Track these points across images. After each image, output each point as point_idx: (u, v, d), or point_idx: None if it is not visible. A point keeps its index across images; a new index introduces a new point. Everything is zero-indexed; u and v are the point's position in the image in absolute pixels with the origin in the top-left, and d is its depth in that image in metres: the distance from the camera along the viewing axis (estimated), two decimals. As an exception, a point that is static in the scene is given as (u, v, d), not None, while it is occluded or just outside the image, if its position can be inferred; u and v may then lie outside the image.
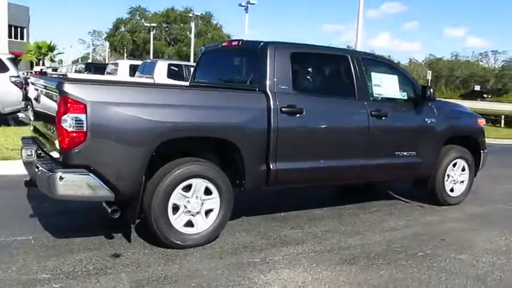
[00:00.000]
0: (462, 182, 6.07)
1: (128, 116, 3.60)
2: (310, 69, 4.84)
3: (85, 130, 3.44)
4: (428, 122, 5.49)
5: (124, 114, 3.59)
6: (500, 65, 68.19)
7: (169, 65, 13.22)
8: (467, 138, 6.00)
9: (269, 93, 4.29)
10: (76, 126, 3.42)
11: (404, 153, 5.33)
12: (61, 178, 3.44)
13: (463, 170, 6.03)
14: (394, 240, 4.52)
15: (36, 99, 4.34)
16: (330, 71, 5.01)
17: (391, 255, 4.13)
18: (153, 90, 4.18)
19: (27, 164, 4.31)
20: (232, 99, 4.28)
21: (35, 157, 4.11)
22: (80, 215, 4.77)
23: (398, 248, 4.32)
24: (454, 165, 5.92)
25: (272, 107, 4.25)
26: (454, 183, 6.00)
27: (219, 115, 4.06)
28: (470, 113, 6.29)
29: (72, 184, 3.52)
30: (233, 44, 5.10)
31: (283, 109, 4.29)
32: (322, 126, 4.65)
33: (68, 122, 3.41)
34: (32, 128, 4.83)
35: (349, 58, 4.98)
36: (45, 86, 4.02)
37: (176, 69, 13.19)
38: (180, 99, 3.99)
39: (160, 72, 12.47)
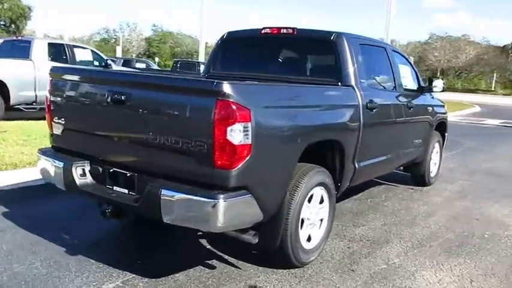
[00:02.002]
0: (436, 163, 6.72)
1: (284, 122, 3.04)
2: (370, 62, 4.69)
3: (250, 142, 2.75)
4: (430, 110, 5.93)
5: (281, 119, 3.02)
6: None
7: (50, 44, 11.06)
8: (441, 123, 6.62)
9: (355, 88, 4.06)
10: (243, 139, 2.71)
11: (416, 141, 5.67)
12: (226, 205, 2.70)
13: (437, 152, 6.68)
14: (442, 225, 4.81)
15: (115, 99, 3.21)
16: (379, 63, 4.94)
17: (462, 239, 4.41)
18: (298, 89, 3.61)
19: (91, 187, 3.28)
20: (335, 96, 3.91)
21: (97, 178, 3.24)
22: (162, 244, 3.87)
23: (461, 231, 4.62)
24: (433, 148, 6.51)
25: (360, 103, 4.04)
26: (434, 165, 6.62)
27: (333, 114, 3.71)
28: (440, 101, 6.96)
29: (237, 211, 2.81)
30: (283, 31, 4.57)
31: (368, 105, 4.12)
32: (388, 120, 4.67)
33: (236, 133, 2.67)
34: (58, 134, 3.60)
35: (386, 50, 5.04)
36: (164, 84, 3.08)
37: (57, 49, 11.13)
38: (315, 99, 3.52)
39: (41, 53, 10.36)
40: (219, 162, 2.71)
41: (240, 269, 3.46)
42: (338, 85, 4.07)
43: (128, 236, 4.13)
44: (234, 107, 2.66)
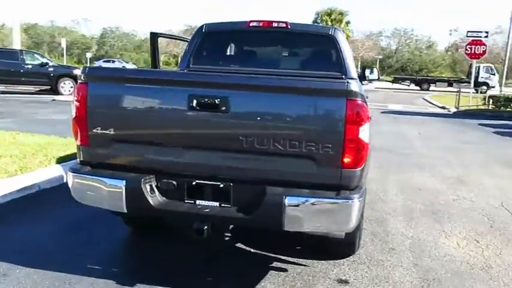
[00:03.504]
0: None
1: None
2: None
3: (368, 141, 2.80)
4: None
5: None
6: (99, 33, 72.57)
7: None
8: None
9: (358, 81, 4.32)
10: (367, 138, 2.74)
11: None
12: (359, 205, 2.70)
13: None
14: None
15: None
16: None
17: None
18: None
19: (167, 205, 2.87)
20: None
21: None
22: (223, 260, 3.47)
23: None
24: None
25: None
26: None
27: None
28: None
29: (361, 209, 2.82)
30: (274, 25, 4.48)
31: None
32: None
33: (365, 132, 2.68)
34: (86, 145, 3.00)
35: None
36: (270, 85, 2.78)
37: None
38: None
39: None
40: (347, 162, 2.69)
41: (316, 267, 3.46)
42: (342, 78, 4.26)
43: (185, 255, 3.67)
44: (363, 106, 2.67)
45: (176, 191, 2.91)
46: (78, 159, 3.10)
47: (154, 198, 2.87)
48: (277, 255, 3.62)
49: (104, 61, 45.02)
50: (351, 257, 3.61)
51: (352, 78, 4.12)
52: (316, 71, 4.35)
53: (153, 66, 6.39)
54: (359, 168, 2.73)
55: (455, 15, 77.74)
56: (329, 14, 54.78)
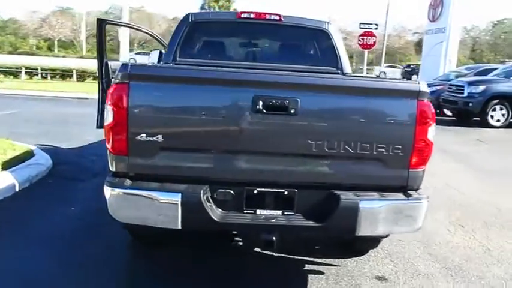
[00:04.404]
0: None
1: None
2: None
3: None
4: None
5: None
6: None
7: None
8: None
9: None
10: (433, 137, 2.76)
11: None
12: (428, 204, 2.72)
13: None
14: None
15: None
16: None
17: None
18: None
19: (227, 217, 2.62)
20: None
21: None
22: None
23: None
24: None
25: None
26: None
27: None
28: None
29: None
30: (266, 18, 4.25)
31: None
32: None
33: (432, 133, 2.69)
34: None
35: None
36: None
37: None
38: None
39: None
40: (414, 163, 2.70)
41: (346, 266, 3.44)
42: (338, 73, 4.27)
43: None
44: (431, 106, 2.68)
45: (233, 201, 2.67)
46: (109, 171, 2.68)
47: (214, 211, 2.60)
48: (301, 257, 3.52)
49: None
50: (369, 252, 3.66)
51: (345, 73, 4.18)
52: (311, 66, 4.29)
53: (99, 58, 5.80)
54: (423, 168, 2.75)
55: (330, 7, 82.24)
56: (216, 1, 54.53)
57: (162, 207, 2.53)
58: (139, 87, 2.53)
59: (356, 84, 2.69)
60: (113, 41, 37.37)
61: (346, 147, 2.62)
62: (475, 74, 14.95)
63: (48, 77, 23.63)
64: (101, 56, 5.78)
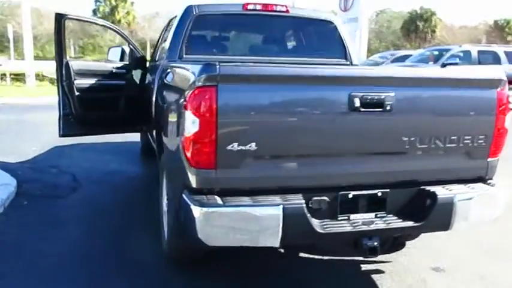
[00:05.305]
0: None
1: None
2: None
3: None
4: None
5: None
6: None
7: None
8: None
9: (359, 66, 4.34)
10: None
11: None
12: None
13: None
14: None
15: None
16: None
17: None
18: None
19: (328, 227, 2.42)
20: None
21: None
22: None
23: None
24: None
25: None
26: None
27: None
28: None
29: None
30: (273, 9, 3.99)
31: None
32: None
33: (509, 120, 2.72)
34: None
35: None
36: None
37: None
38: None
39: None
40: (493, 152, 2.70)
41: (397, 261, 3.37)
42: (348, 64, 4.20)
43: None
44: (508, 95, 2.69)
45: (327, 209, 2.47)
46: (187, 187, 2.35)
47: (314, 222, 2.37)
48: (344, 258, 3.39)
49: None
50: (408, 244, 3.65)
51: (354, 65, 4.14)
52: (321, 58, 4.17)
53: (58, 56, 5.21)
54: (498, 157, 2.77)
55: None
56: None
57: (262, 223, 2.25)
58: (229, 90, 2.21)
59: (446, 76, 2.63)
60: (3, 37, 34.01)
61: (437, 141, 2.55)
62: (393, 61, 15.89)
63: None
64: (60, 55, 5.16)
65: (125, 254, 3.34)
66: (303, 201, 2.32)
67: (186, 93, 2.29)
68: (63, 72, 5.18)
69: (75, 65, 5.36)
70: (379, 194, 2.53)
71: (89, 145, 6.83)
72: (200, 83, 2.20)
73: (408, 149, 2.51)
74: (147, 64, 5.71)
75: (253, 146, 2.27)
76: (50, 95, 12.39)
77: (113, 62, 5.79)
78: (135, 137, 6.59)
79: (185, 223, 2.40)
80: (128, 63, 5.65)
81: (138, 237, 3.66)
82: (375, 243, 2.45)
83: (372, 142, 2.47)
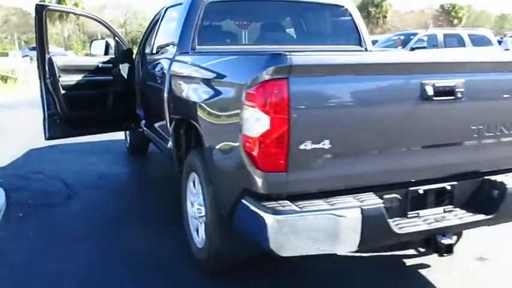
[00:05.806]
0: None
1: None
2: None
3: None
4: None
5: None
6: None
7: None
8: None
9: (373, 53, 4.20)
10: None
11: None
12: None
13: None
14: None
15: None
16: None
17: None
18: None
19: (403, 226, 2.24)
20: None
21: None
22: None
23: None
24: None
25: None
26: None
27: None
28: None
29: None
30: None
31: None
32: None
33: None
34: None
35: None
36: None
37: None
38: None
39: None
40: None
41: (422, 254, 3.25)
42: (363, 51, 4.05)
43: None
44: None
45: (398, 206, 2.30)
46: (249, 192, 2.11)
47: (392, 222, 2.19)
48: (381, 254, 3.25)
49: None
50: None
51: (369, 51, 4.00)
52: (337, 45, 3.99)
53: (40, 52, 4.80)
54: None
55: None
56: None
57: (342, 228, 2.05)
58: (300, 83, 1.98)
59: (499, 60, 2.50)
60: None
61: (503, 128, 2.42)
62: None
63: None
64: (42, 50, 4.75)
65: (164, 266, 3.05)
66: (381, 201, 2.13)
67: (249, 88, 2.04)
68: (46, 68, 4.75)
69: (59, 60, 4.94)
70: (448, 187, 2.38)
71: (66, 146, 6.37)
72: (268, 76, 1.95)
73: (476, 138, 2.38)
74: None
75: (326, 143, 2.05)
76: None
77: (97, 56, 5.40)
78: (111, 135, 6.17)
79: (249, 233, 2.17)
80: (114, 56, 5.29)
81: (169, 247, 3.34)
82: (451, 240, 2.31)
83: (441, 132, 2.31)
